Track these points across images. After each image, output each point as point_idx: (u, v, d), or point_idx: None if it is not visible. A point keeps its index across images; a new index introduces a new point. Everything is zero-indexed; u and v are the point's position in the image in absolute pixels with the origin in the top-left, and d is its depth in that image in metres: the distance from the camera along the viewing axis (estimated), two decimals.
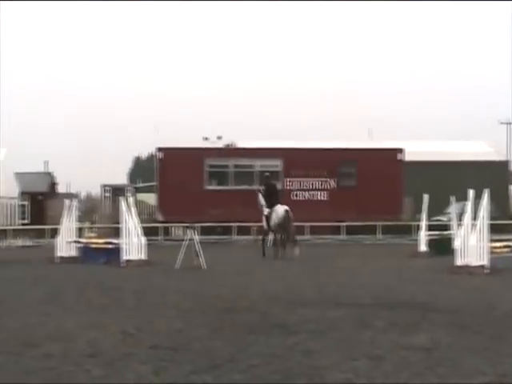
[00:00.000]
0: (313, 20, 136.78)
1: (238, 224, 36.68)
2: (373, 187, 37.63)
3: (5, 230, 37.09)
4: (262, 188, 26.55)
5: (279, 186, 27.20)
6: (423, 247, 25.73)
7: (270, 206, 25.20)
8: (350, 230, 37.23)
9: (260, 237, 24.96)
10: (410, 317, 10.93)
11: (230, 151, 39.88)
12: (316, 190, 38.67)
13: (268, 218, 25.05)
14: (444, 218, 35.69)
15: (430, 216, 28.25)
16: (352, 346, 8.78)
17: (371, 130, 59.72)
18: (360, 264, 21.94)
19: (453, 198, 26.25)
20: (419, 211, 28.45)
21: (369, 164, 38.06)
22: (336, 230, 37.49)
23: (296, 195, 38.49)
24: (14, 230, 38.21)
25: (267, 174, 27.81)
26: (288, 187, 38.40)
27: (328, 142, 41.61)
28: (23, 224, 44.14)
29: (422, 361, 7.95)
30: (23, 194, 48.03)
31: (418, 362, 7.88)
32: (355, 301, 12.81)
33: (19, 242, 35.46)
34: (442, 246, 24.36)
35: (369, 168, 37.96)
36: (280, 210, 25.06)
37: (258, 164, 38.83)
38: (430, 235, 26.24)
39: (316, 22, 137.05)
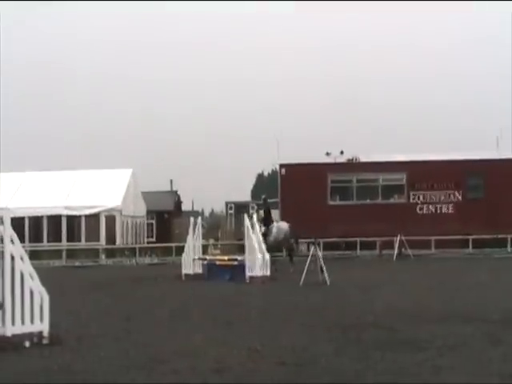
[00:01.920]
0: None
1: (361, 239, 36.33)
2: (502, 199, 36.49)
3: (134, 248, 38.08)
4: (258, 210, 28.02)
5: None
6: None
7: (266, 225, 26.01)
8: (478, 244, 36.20)
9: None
10: None
11: (353, 166, 39.58)
12: (442, 203, 37.86)
13: (266, 235, 25.35)
14: None
15: None
16: (483, 363, 8.51)
17: (498, 139, 57.88)
18: (489, 278, 21.27)
19: None
20: None
21: (497, 175, 36.94)
22: (463, 244, 36.54)
23: (421, 209, 37.80)
24: (141, 247, 39.16)
25: (264, 196, 28.52)
26: (413, 201, 37.78)
27: (453, 153, 40.68)
28: (150, 242, 45.18)
29: None
30: (150, 213, 49.20)
31: None
32: (485, 316, 12.40)
33: (147, 260, 36.33)
34: None
35: (497, 179, 36.84)
36: (283, 225, 26.46)
37: (382, 178, 38.40)
38: None
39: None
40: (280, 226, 26.15)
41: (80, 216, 38.53)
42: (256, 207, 50.50)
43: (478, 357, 8.85)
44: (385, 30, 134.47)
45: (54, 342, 10.56)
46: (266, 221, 26.17)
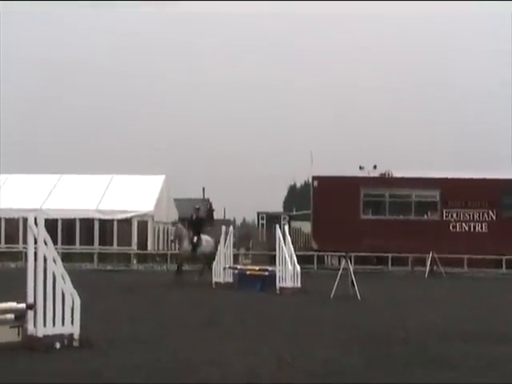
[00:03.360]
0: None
1: (393, 254, 36.13)
2: None
3: (165, 254, 38.18)
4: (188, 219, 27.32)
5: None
6: None
7: (197, 235, 26.05)
8: None
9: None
10: None
11: (387, 180, 39.40)
12: (475, 221, 37.53)
13: (196, 245, 25.79)
14: None
15: None
16: None
17: None
18: None
19: None
20: None
21: None
22: (496, 264, 36.17)
23: (454, 227, 37.52)
24: (172, 254, 39.27)
25: (197, 206, 28.40)
26: (446, 218, 37.52)
27: (488, 171, 40.34)
28: None
29: None
30: (182, 221, 49.35)
31: None
32: None
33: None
34: None
35: None
36: (210, 239, 26.50)
37: (415, 194, 38.20)
38: None
39: None
40: (208, 240, 26.40)
41: (112, 220, 38.75)
42: (288, 218, 50.54)
43: (511, 378, 8.73)
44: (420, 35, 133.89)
45: (84, 345, 10.60)
46: (197, 231, 26.21)
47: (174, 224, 28.56)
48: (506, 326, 13.88)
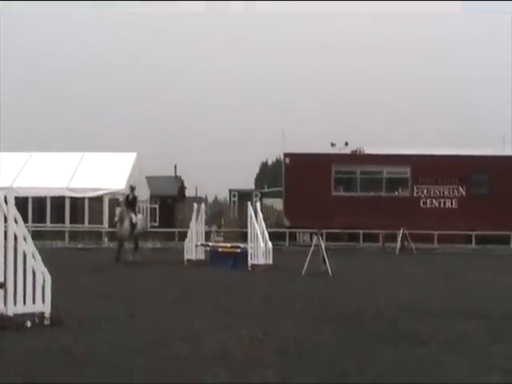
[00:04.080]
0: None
1: (364, 231, 36.33)
2: (506, 196, 36.45)
3: None
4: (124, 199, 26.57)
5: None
6: None
7: (135, 214, 25.57)
8: (482, 240, 36.16)
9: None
10: None
11: (358, 157, 39.53)
12: (446, 197, 37.83)
13: (135, 224, 25.19)
14: None
15: None
16: (484, 359, 8.47)
17: (505, 136, 57.70)
18: (492, 275, 21.25)
19: None
20: None
21: (503, 172, 36.87)
22: (466, 239, 36.52)
23: (425, 203, 37.79)
24: (144, 232, 39.17)
25: (133, 185, 26.95)
26: (417, 195, 37.76)
27: (458, 148, 40.60)
28: (153, 227, 45.22)
29: None
30: (153, 198, 49.21)
31: None
32: (487, 313, 12.37)
33: (149, 245, 36.32)
34: None
35: (502, 176, 36.78)
36: (141, 217, 26.59)
37: (386, 171, 38.37)
38: None
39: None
40: (140, 218, 26.13)
41: (83, 198, 38.53)
42: (260, 195, 50.55)
43: (479, 353, 8.83)
44: (387, 25, 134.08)
45: (55, 323, 10.55)
46: (134, 210, 25.78)
47: (119, 204, 28.24)
48: (475, 302, 14.01)
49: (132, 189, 26.12)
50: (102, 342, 9.27)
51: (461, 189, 37.68)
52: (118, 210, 26.20)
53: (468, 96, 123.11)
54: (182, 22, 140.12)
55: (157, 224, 47.72)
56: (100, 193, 38.44)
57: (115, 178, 39.14)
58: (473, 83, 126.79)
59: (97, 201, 38.62)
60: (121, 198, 38.22)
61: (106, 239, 36.92)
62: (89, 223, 38.58)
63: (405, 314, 12.04)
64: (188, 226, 25.89)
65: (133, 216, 25.16)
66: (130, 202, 25.67)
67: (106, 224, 38.17)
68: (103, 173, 39.14)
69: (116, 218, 25.73)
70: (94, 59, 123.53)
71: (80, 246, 35.36)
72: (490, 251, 34.01)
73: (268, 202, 47.33)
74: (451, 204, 37.81)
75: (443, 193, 37.84)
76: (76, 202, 38.69)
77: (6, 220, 10.47)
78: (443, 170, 37.41)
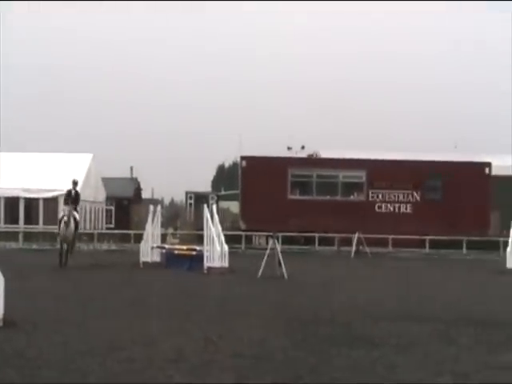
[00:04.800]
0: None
1: (320, 234, 36.54)
2: (459, 201, 36.94)
3: (91, 234, 37.83)
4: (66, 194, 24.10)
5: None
6: (511, 264, 25.05)
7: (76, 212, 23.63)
8: (435, 244, 36.60)
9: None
10: (496, 335, 10.66)
11: (314, 161, 39.75)
12: (400, 202, 38.19)
13: (78, 223, 23.49)
14: None
15: None
16: (436, 362, 8.61)
17: (457, 142, 58.63)
18: (445, 279, 21.55)
19: None
20: (507, 227, 27.75)
21: (455, 177, 37.36)
22: (420, 244, 36.91)
23: (379, 207, 38.12)
24: (99, 233, 38.92)
25: (75, 180, 24.50)
26: (372, 199, 38.08)
27: (413, 154, 41.04)
28: (109, 228, 44.97)
29: (510, 381, 7.72)
30: (109, 199, 48.95)
31: (505, 382, 7.66)
32: (440, 316, 12.56)
33: (104, 246, 36.11)
34: None
35: (455, 181, 37.27)
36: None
37: (342, 175, 38.64)
38: None
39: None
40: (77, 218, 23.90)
41: (38, 199, 38.16)
42: (216, 197, 50.55)
43: (431, 355, 8.96)
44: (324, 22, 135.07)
45: (8, 325, 10.43)
46: (74, 207, 23.69)
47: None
48: (428, 306, 14.21)
49: (75, 184, 24.03)
50: (55, 344, 9.21)
51: (415, 194, 38.07)
52: (65, 209, 23.40)
53: (424, 103, 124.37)
54: (128, 22, 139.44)
55: (112, 225, 47.47)
56: (55, 193, 38.10)
57: (71, 178, 38.77)
58: (430, 89, 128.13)
59: (52, 202, 38.28)
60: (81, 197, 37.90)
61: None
62: (43, 224, 38.21)
63: (359, 317, 12.16)
64: (144, 228, 25.79)
65: (76, 214, 23.45)
66: (73, 199, 23.54)
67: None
68: (58, 174, 38.79)
69: (65, 218, 22.93)
70: (47, 60, 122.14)
71: (34, 246, 34.99)
72: (443, 256, 34.45)
73: (224, 204, 47.36)
74: (406, 209, 38.19)
75: (398, 197, 38.20)
76: (30, 203, 38.33)
77: None
78: (398, 175, 37.78)
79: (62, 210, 23.84)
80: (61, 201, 38.14)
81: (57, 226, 24.53)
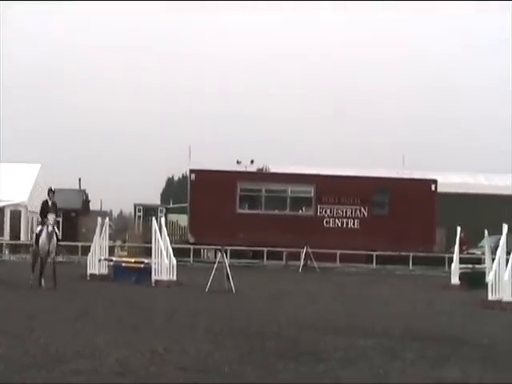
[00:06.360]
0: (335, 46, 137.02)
1: (269, 248, 36.63)
2: (406, 217, 37.40)
3: None
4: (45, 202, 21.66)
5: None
6: (455, 280, 25.44)
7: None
8: (382, 260, 36.97)
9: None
10: (440, 350, 10.81)
11: (263, 175, 39.93)
12: (348, 217, 38.52)
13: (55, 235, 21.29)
14: (477, 252, 35.31)
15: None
16: (381, 376, 8.70)
17: (404, 158, 59.25)
18: (391, 294, 21.78)
19: (486, 232, 25.94)
20: (452, 243, 28.18)
21: (402, 194, 37.84)
22: (367, 259, 37.25)
23: (328, 222, 38.38)
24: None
25: (53, 188, 22.00)
26: (320, 214, 38.31)
27: (361, 169, 41.48)
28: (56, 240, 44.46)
29: None
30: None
31: None
32: (385, 331, 12.69)
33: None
34: (475, 280, 24.06)
35: (402, 198, 37.75)
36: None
37: (290, 189, 38.83)
38: (462, 268, 25.96)
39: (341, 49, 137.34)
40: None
41: None
42: (165, 210, 50.34)
43: (376, 369, 9.04)
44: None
45: None
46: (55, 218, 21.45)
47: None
48: (374, 320, 14.34)
49: (52, 192, 21.54)
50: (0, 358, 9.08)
51: (363, 209, 38.44)
52: (51, 218, 20.92)
53: (372, 118, 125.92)
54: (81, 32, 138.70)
55: (60, 237, 46.86)
56: (1, 204, 37.61)
57: (17, 189, 38.40)
58: (378, 102, 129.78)
59: None
60: (29, 208, 37.25)
61: (6, 251, 36.09)
62: None
63: (306, 331, 12.23)
64: (92, 240, 25.57)
65: (54, 226, 21.30)
66: (53, 209, 21.23)
67: (7, 236, 37.36)
68: (5, 184, 38.30)
69: (50, 228, 20.94)
70: None
71: None
72: (389, 271, 34.82)
73: (173, 217, 47.20)
74: (353, 224, 38.52)
75: (346, 213, 38.53)
76: None
77: None
78: (346, 191, 38.13)
79: (40, 222, 21.80)
80: (7, 212, 37.76)
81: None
